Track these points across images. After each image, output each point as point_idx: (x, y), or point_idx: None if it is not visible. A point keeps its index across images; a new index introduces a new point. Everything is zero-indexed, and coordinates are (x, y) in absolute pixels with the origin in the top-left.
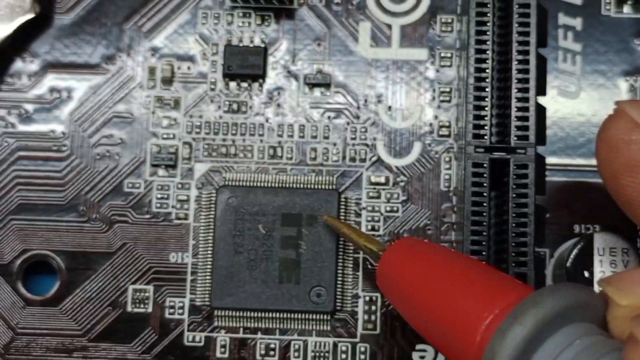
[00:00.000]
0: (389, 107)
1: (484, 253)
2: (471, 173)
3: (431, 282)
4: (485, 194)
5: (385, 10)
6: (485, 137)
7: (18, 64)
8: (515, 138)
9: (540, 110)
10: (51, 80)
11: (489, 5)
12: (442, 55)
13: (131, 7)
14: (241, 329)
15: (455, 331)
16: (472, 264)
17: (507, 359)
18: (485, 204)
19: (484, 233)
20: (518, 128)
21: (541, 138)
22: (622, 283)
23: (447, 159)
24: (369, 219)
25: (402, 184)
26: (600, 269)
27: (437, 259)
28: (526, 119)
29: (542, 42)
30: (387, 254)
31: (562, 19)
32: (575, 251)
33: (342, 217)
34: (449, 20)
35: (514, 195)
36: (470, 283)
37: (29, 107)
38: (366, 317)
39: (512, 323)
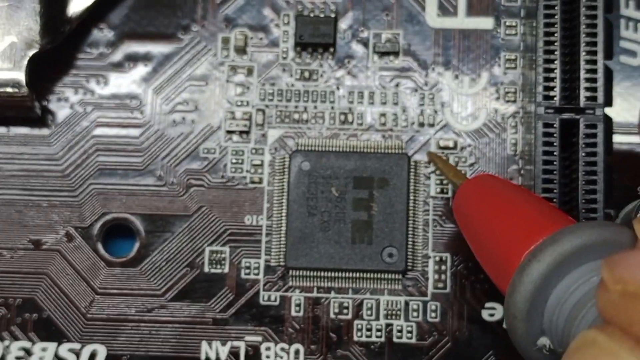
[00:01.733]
0: (456, 76)
1: None
2: (542, 133)
3: (488, 214)
4: (555, 153)
5: None
6: (555, 98)
7: (96, 34)
8: (584, 99)
9: (608, 73)
10: (127, 49)
11: None
12: (507, 24)
13: None
14: (315, 288)
15: (503, 260)
16: (530, 201)
17: (525, 294)
18: (555, 163)
19: (555, 191)
20: (587, 89)
21: (609, 99)
22: None
23: (513, 123)
24: (437, 182)
25: (469, 148)
26: None
27: (499, 193)
28: (594, 80)
29: (609, 8)
30: (462, 187)
31: None
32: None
33: (412, 180)
34: None
35: (583, 154)
36: (521, 218)
37: (107, 75)
38: (436, 276)
39: (530, 260)
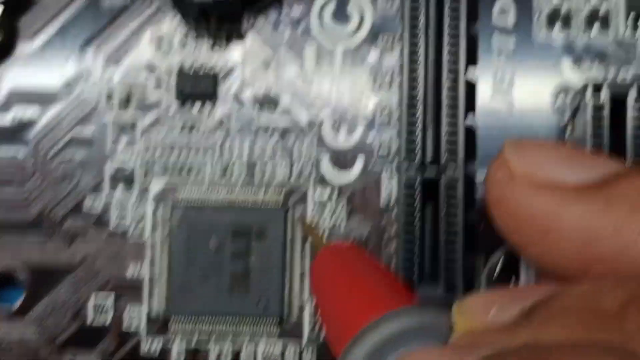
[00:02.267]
0: (332, 125)
1: (416, 264)
2: (404, 191)
3: (335, 284)
4: (417, 210)
5: (330, 33)
6: (418, 156)
7: None
8: (446, 155)
9: (469, 131)
10: (13, 105)
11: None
12: (384, 74)
13: (90, 33)
14: (197, 333)
15: (338, 335)
16: (374, 275)
17: None
18: (417, 219)
19: (416, 246)
20: (448, 147)
21: (471, 155)
22: (464, 307)
23: (387, 174)
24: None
25: (345, 199)
26: (526, 276)
27: (348, 265)
28: (454, 141)
29: (471, 60)
30: (317, 256)
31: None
32: (501, 259)
33: (290, 232)
34: (391, 39)
35: (443, 211)
36: (361, 292)
37: None
38: (312, 324)
39: (352, 345)
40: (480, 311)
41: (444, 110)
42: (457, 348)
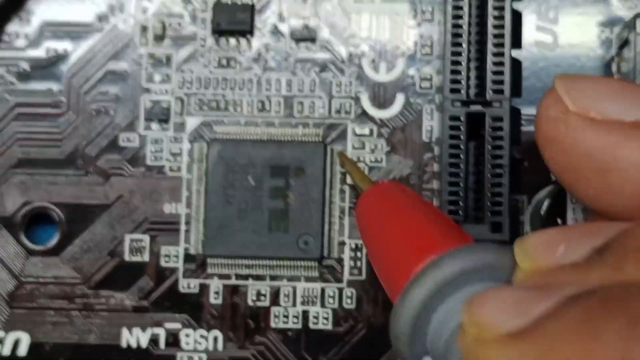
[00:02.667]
0: (373, 61)
1: (461, 203)
2: (449, 126)
3: (383, 225)
4: (462, 147)
5: None
6: (462, 91)
7: (15, 23)
8: (490, 92)
9: (515, 64)
10: (47, 39)
11: None
12: (424, 9)
13: None
14: (233, 276)
15: (392, 274)
16: (428, 215)
17: (407, 318)
18: (462, 156)
19: (461, 184)
20: (493, 82)
21: (517, 91)
22: (527, 245)
23: (428, 110)
24: None
25: (385, 135)
26: (573, 216)
27: (398, 204)
28: (501, 73)
29: None
30: (365, 194)
31: None
32: (548, 199)
33: (329, 169)
34: None
35: (489, 147)
36: (415, 233)
37: (27, 66)
38: (352, 263)
39: (412, 285)
40: (546, 250)
41: (489, 44)
42: (533, 289)
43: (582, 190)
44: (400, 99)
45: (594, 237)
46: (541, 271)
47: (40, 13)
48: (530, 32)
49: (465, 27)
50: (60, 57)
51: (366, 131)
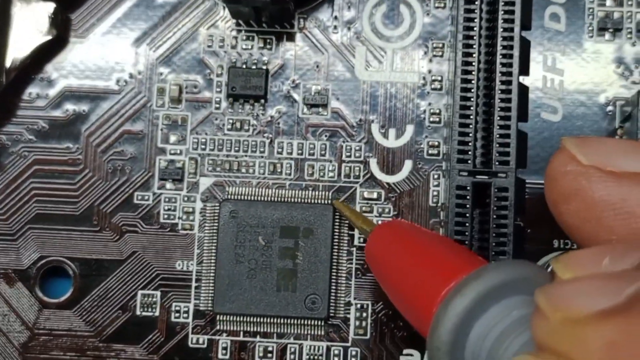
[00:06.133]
0: (382, 127)
1: None
2: (455, 195)
3: (402, 257)
4: (467, 215)
5: (380, 35)
6: (469, 161)
7: (36, 84)
8: (496, 163)
9: (521, 136)
10: (66, 99)
11: (474, 37)
12: (433, 79)
13: (142, 30)
14: (241, 333)
15: (419, 304)
16: (442, 243)
17: (449, 327)
18: (467, 224)
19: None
20: (500, 153)
21: (522, 162)
22: (569, 260)
23: (435, 176)
24: (362, 235)
25: (393, 199)
26: None
27: (411, 237)
28: (507, 145)
29: (524, 71)
30: (373, 233)
31: (547, 45)
32: (551, 265)
33: (336, 230)
34: (440, 46)
35: (494, 217)
36: (436, 260)
37: (46, 124)
38: (357, 323)
39: (454, 294)
40: (590, 262)
41: (496, 116)
42: (612, 274)
43: (604, 239)
44: (408, 165)
45: (634, 253)
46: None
47: (60, 76)
48: (535, 103)
49: (473, 99)
50: (78, 117)
51: (374, 195)
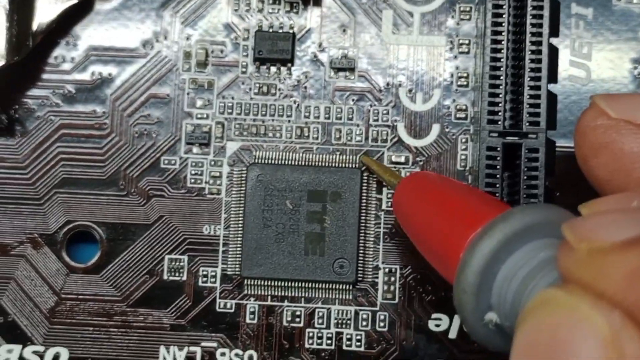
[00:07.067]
0: (409, 91)
1: None
2: (485, 156)
3: (430, 206)
4: (498, 176)
5: None
6: (499, 122)
7: (61, 47)
8: (527, 124)
9: (551, 97)
10: (92, 63)
11: None
12: (460, 42)
13: None
14: (269, 297)
15: (446, 250)
16: (468, 191)
17: (476, 268)
18: (497, 185)
19: None
20: (530, 114)
21: (552, 123)
22: (596, 202)
23: (463, 140)
24: (389, 195)
25: (420, 163)
26: None
27: (438, 187)
28: (537, 105)
29: (554, 32)
30: (401, 185)
31: (575, 8)
32: None
33: (364, 194)
34: (467, 9)
35: (525, 178)
36: (463, 206)
37: (72, 88)
38: (385, 287)
39: (481, 237)
40: (619, 203)
41: (526, 77)
42: (634, 208)
43: (633, 188)
44: (435, 129)
45: None
46: None
47: (86, 38)
48: (563, 66)
49: (503, 60)
50: (104, 81)
51: (402, 159)
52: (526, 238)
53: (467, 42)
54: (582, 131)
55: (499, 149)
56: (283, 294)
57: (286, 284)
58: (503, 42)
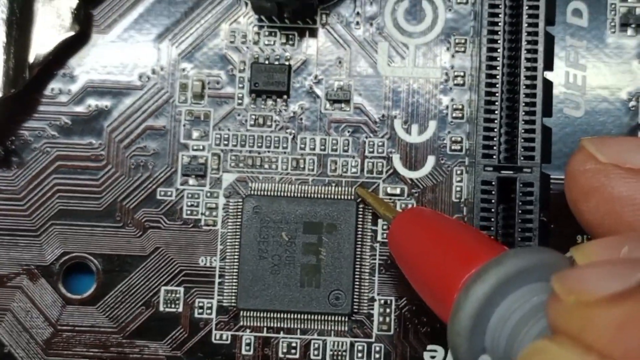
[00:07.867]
0: (405, 122)
1: None
2: (480, 190)
3: (424, 244)
4: (493, 210)
5: (403, 31)
6: (494, 156)
7: (58, 79)
8: (522, 158)
9: (546, 131)
10: (89, 95)
11: (499, 32)
12: (455, 74)
13: (164, 26)
14: (265, 329)
15: (440, 290)
16: (463, 230)
17: (469, 312)
18: (492, 219)
19: None
20: (525, 148)
21: (547, 157)
22: (587, 247)
23: (458, 171)
24: (385, 227)
25: (416, 194)
26: None
27: (433, 224)
28: (532, 140)
29: (548, 66)
30: (396, 220)
31: (569, 40)
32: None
33: (360, 226)
34: (462, 41)
35: (519, 212)
36: (457, 246)
37: (68, 120)
38: (381, 319)
39: (475, 280)
40: (607, 250)
41: (521, 111)
42: (623, 261)
43: (624, 231)
44: (431, 160)
45: None
46: None
47: (83, 70)
48: (557, 98)
49: (498, 94)
50: (101, 112)
51: (397, 191)
52: (520, 282)
53: (462, 74)
54: (572, 175)
55: (493, 183)
56: (279, 325)
57: (282, 315)
58: (498, 77)
